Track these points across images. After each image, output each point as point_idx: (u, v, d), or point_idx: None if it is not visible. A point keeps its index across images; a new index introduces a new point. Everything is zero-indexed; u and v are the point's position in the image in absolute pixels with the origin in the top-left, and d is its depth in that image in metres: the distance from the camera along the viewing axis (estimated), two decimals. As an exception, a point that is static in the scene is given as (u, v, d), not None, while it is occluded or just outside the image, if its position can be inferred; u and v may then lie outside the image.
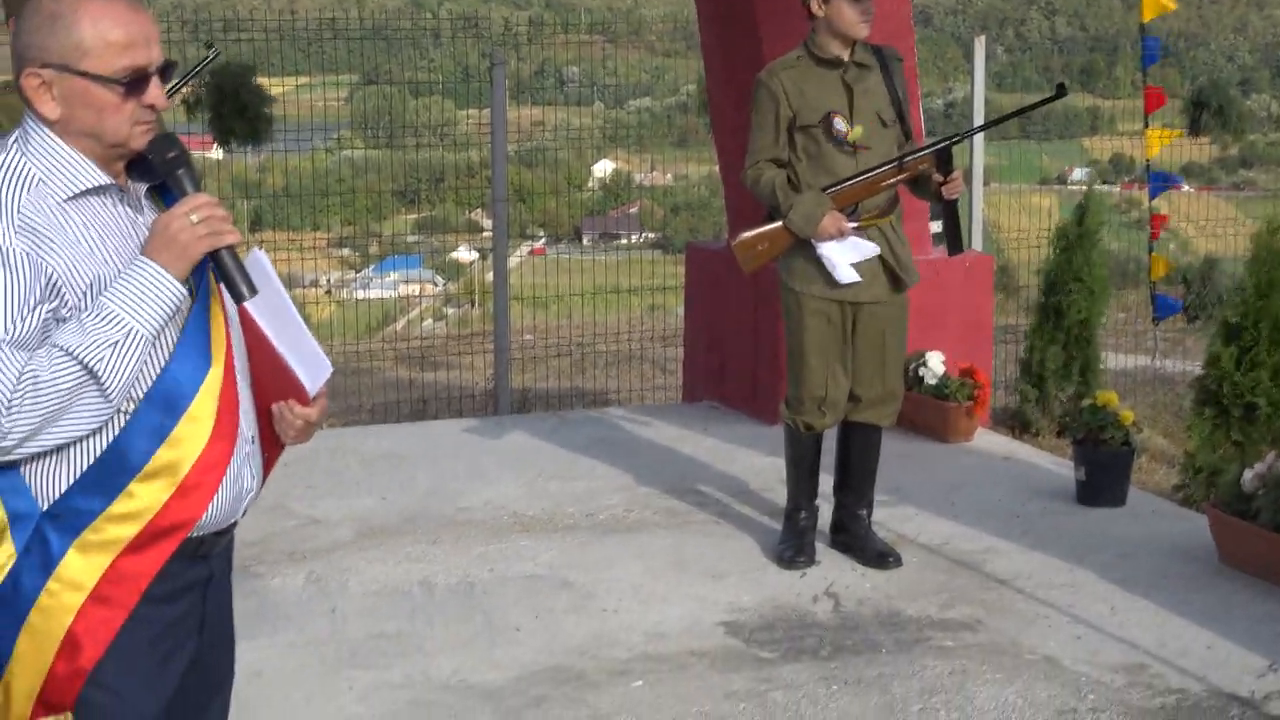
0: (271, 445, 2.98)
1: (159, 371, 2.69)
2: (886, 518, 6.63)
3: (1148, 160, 9.81)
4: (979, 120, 9.35)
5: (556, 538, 6.58)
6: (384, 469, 7.65)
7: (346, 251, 15.50)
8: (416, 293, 14.58)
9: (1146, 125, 9.71)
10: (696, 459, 7.78)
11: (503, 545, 6.47)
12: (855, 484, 6.35)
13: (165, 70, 2.75)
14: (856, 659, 5.30)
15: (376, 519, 6.83)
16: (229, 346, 2.78)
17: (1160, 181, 9.84)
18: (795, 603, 5.85)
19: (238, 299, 2.71)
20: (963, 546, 6.44)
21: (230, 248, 2.70)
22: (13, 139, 2.72)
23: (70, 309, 2.62)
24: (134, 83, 2.68)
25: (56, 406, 2.57)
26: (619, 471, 7.55)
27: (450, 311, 14.98)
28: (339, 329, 11.84)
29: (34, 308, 2.58)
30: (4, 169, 2.67)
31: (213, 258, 2.69)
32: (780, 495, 6.61)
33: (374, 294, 14.46)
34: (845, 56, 6.02)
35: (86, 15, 2.65)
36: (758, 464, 7.58)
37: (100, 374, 2.58)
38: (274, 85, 10.67)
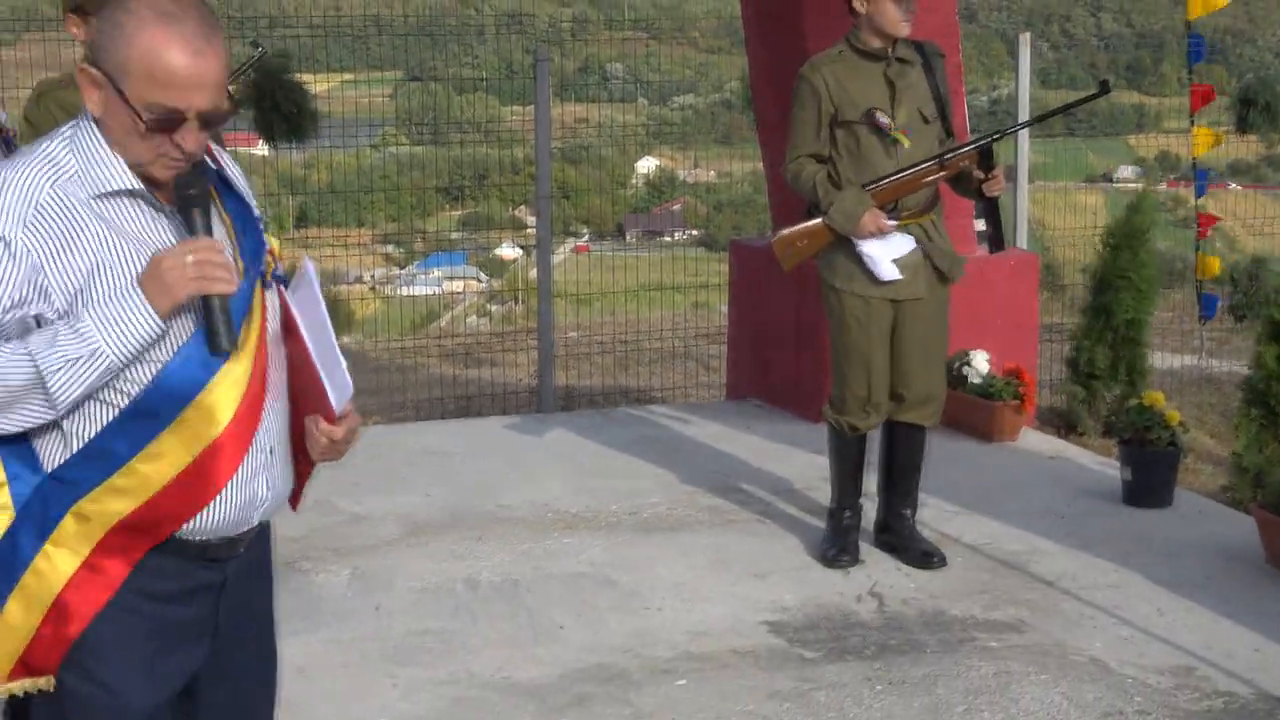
0: (305, 460, 2.96)
1: (166, 365, 2.67)
2: (931, 517, 6.61)
3: (1194, 158, 9.74)
4: (1023, 118, 9.30)
5: (600, 535, 6.58)
6: (428, 466, 7.67)
7: (391, 248, 15.56)
8: (461, 289, 14.61)
9: (1193, 123, 9.65)
10: (740, 457, 7.77)
11: (546, 543, 6.48)
12: (900, 483, 6.32)
13: (213, 117, 2.67)
14: (901, 659, 5.29)
15: (421, 516, 6.85)
16: (260, 355, 2.76)
17: (1207, 180, 9.76)
18: (839, 602, 5.84)
19: (214, 349, 2.66)
20: (1008, 546, 6.41)
21: (222, 297, 2.64)
22: (69, 127, 2.72)
23: (56, 311, 2.61)
24: (162, 120, 2.63)
25: (3, 400, 2.59)
26: (662, 469, 7.55)
27: (494, 308, 15.02)
28: (384, 325, 11.88)
29: (11, 307, 2.59)
30: (43, 157, 2.67)
31: (204, 300, 2.64)
32: (823, 493, 6.59)
33: (418, 291, 14.49)
34: (888, 51, 6.01)
35: (143, 39, 2.60)
36: (801, 462, 7.57)
37: (49, 384, 2.58)
38: (319, 82, 10.71)
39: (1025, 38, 9.82)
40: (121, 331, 2.60)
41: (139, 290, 2.61)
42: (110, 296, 2.62)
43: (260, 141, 9.93)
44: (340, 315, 11.32)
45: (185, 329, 2.68)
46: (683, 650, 5.39)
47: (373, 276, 14.89)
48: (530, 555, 6.33)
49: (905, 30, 5.97)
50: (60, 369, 2.58)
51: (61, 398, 2.60)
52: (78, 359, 2.58)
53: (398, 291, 14.36)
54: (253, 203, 2.92)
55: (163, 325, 2.63)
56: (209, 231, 2.70)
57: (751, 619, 5.67)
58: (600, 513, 6.89)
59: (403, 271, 15.64)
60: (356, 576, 6.10)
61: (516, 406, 9.60)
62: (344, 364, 2.83)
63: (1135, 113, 25.58)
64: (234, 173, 2.90)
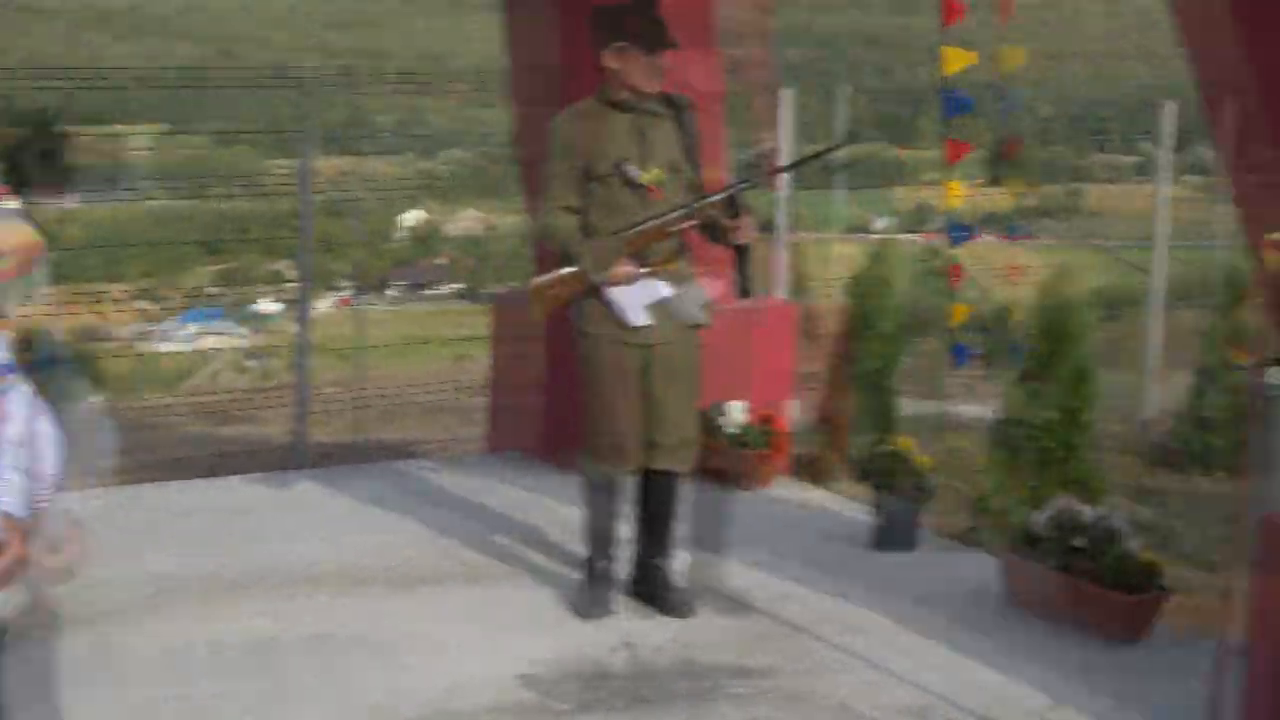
0: None
1: None
2: (685, 566, 6.63)
3: (948, 211, 9.98)
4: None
5: (353, 593, 6.47)
6: (177, 526, 7.45)
7: (147, 304, 15.21)
8: (219, 346, 14.36)
9: (948, 176, 9.88)
10: (498, 510, 7.72)
11: (296, 601, 6.34)
12: (654, 532, 6.34)
13: None
14: (652, 708, 5.28)
15: (168, 578, 6.65)
16: None
17: (960, 231, 10.00)
18: (593, 654, 5.81)
19: None
20: (761, 594, 6.46)
21: None
22: None
23: None
24: None
25: None
26: (419, 524, 7.45)
27: (252, 364, 14.78)
28: (138, 383, 11.58)
29: None
30: None
31: None
32: (581, 545, 6.57)
33: (175, 347, 14.19)
34: (638, 104, 6.06)
35: None
36: (559, 514, 7.53)
37: None
38: (81, 134, 10.47)
39: (787, 93, 9.99)
40: None
41: None
42: None
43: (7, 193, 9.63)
44: (92, 374, 11.02)
45: None
46: (436, 707, 5.32)
47: (129, 333, 14.53)
48: (279, 615, 6.19)
49: (655, 87, 6.04)
50: None
51: None
52: None
53: (154, 348, 14.04)
54: None
55: None
56: None
57: (507, 673, 5.62)
58: (353, 569, 6.77)
59: (159, 328, 15.29)
60: (98, 643, 5.89)
61: (271, 464, 9.41)
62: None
63: (897, 166, 26.24)
64: None
